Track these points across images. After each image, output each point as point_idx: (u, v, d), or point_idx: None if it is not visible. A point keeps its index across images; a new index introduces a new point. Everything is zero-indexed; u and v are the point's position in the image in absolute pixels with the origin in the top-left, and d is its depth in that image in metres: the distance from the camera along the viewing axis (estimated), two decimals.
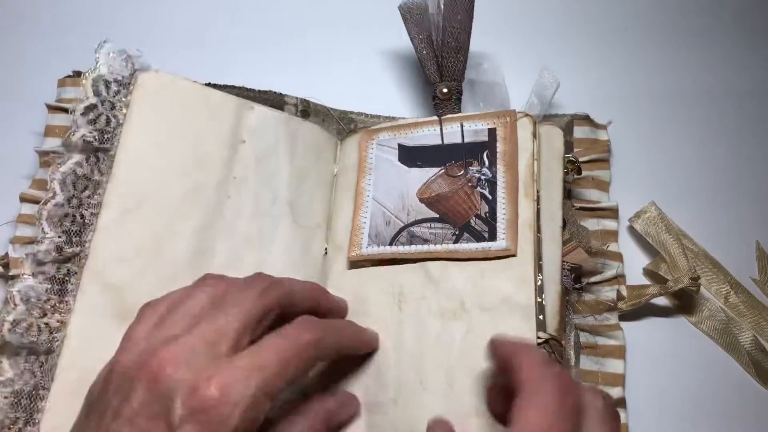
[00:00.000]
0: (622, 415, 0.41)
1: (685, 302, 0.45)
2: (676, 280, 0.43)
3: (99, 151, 0.41)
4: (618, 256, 0.44)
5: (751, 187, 0.49)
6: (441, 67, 0.46)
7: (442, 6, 0.46)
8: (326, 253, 0.43)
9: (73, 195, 0.40)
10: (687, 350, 0.44)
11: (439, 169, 0.41)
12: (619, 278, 0.43)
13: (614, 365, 0.42)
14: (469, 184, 0.40)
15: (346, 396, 0.37)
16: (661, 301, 0.45)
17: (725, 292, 0.46)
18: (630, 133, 0.49)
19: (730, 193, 0.48)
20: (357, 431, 0.37)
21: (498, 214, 0.39)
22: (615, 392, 0.41)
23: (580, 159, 0.46)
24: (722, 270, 0.46)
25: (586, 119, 0.48)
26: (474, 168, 0.41)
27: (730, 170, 0.49)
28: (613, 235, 0.45)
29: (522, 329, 0.36)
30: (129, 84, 0.43)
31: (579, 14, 0.54)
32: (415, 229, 0.40)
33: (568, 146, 0.47)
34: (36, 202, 0.43)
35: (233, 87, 0.47)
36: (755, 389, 0.43)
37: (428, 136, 0.42)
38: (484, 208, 0.39)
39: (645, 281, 0.45)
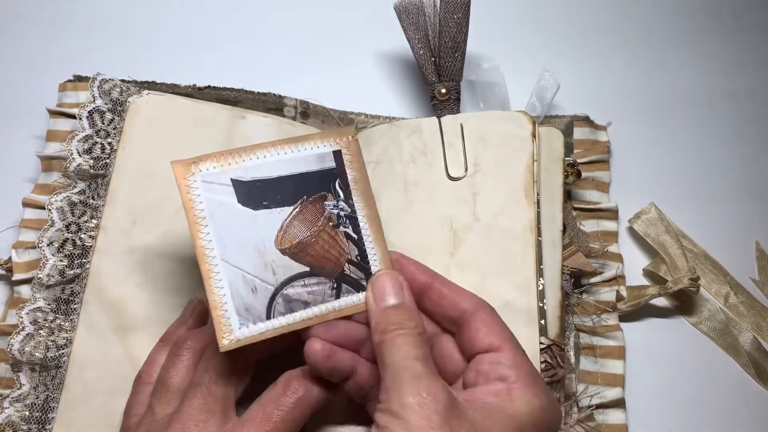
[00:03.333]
0: (622, 415, 0.41)
1: (684, 303, 0.45)
2: (675, 280, 0.43)
3: (96, 177, 0.43)
4: (618, 257, 0.45)
5: (751, 187, 0.49)
6: (438, 67, 0.46)
7: (438, 5, 0.46)
8: None
9: (72, 221, 0.41)
10: (687, 351, 0.44)
11: (292, 207, 0.34)
12: (618, 279, 0.44)
13: (614, 366, 0.42)
14: (330, 224, 0.34)
15: None
16: (661, 301, 0.45)
17: (725, 292, 0.46)
18: (630, 133, 0.49)
19: (730, 194, 0.48)
20: None
21: (369, 255, 0.34)
22: (615, 392, 0.41)
23: (580, 160, 0.46)
24: (722, 271, 0.46)
25: (586, 120, 0.48)
26: (330, 203, 0.34)
27: (730, 171, 0.49)
28: (613, 236, 0.45)
29: (524, 334, 0.36)
30: (122, 111, 0.44)
31: (579, 15, 0.54)
32: (290, 291, 0.33)
33: (568, 147, 0.46)
34: (39, 207, 0.43)
35: (233, 89, 0.47)
36: (755, 389, 0.43)
37: (267, 165, 0.34)
38: (353, 250, 0.34)
39: (645, 282, 0.45)
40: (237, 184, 0.33)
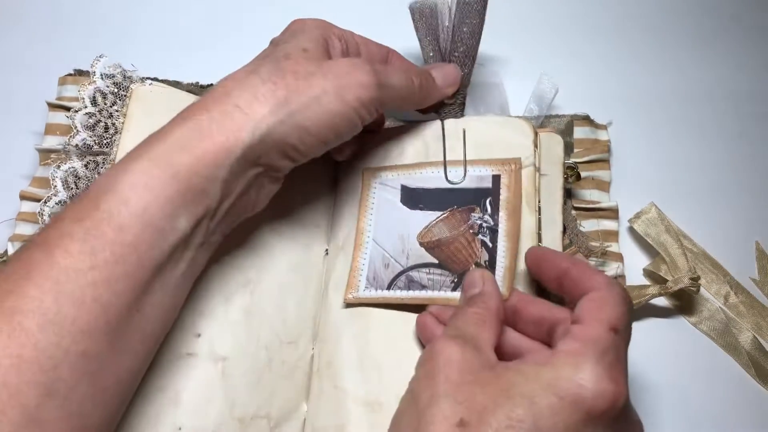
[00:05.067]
0: None
1: (684, 303, 0.45)
2: (676, 280, 0.43)
3: (99, 154, 0.42)
4: (618, 257, 0.44)
5: (751, 187, 0.49)
6: None
7: (454, 10, 0.45)
8: (327, 253, 0.43)
9: (75, 193, 0.41)
10: (687, 350, 0.44)
11: (441, 213, 0.40)
12: (618, 278, 0.43)
13: None
14: (471, 231, 0.39)
15: None
16: (661, 301, 0.45)
17: (725, 292, 0.46)
18: (630, 133, 0.49)
19: (730, 193, 0.48)
20: (358, 430, 0.37)
21: (498, 263, 0.38)
22: None
23: (581, 159, 0.46)
24: (722, 270, 0.46)
25: (586, 119, 0.48)
26: (476, 215, 0.39)
27: (730, 170, 0.49)
28: (614, 235, 0.45)
29: None
30: (125, 96, 0.44)
31: (579, 14, 0.54)
32: (414, 273, 0.39)
33: (569, 147, 0.47)
34: (36, 200, 0.43)
35: None
36: (755, 389, 0.43)
37: (432, 178, 0.41)
38: (484, 256, 0.38)
39: (645, 281, 0.45)
40: (404, 189, 0.42)
